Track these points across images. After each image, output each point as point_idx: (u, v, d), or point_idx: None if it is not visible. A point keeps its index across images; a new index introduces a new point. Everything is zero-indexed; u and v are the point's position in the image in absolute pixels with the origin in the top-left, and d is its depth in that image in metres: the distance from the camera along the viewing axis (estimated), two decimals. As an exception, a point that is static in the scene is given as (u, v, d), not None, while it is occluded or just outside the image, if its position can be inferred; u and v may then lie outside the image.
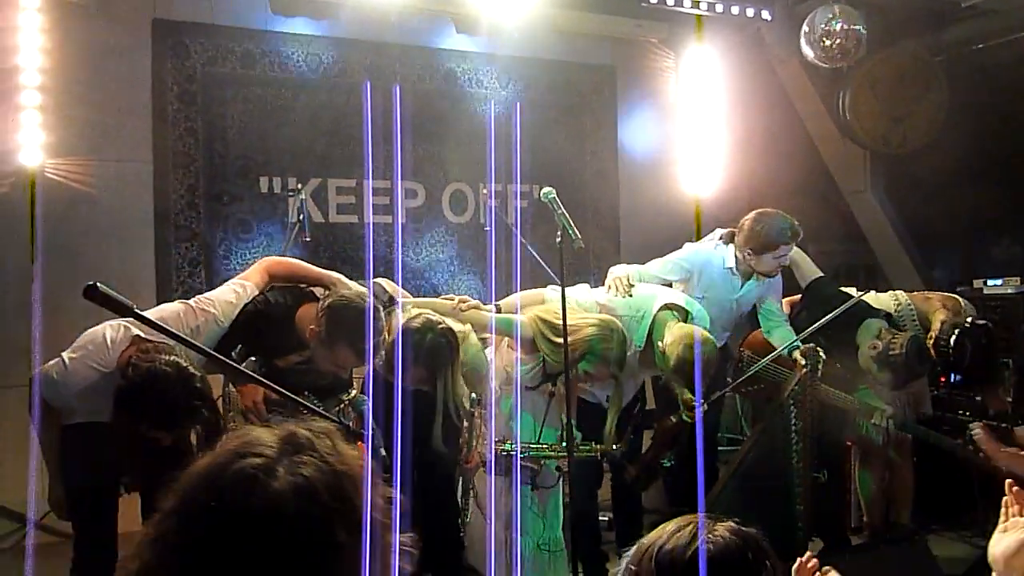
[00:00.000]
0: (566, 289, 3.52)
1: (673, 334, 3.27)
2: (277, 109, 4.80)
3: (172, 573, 0.94)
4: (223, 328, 2.86)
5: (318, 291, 3.07)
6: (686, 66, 5.74)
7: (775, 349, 3.86)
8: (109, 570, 2.63)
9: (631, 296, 3.53)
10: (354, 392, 3.27)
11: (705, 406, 3.51)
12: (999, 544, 1.54)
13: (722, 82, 5.71)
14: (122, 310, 1.55)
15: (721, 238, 3.97)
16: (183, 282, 4.55)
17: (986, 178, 4.83)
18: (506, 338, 3.37)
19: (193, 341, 1.88)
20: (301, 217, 3.91)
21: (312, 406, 2.19)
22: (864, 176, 5.58)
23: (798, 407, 3.61)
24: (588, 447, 3.26)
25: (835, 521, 3.95)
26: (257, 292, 2.98)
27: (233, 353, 3.03)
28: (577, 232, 3.04)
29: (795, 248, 4.04)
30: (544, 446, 3.20)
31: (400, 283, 3.80)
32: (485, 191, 4.91)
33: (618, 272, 3.68)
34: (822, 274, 4.13)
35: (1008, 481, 1.74)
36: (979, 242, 4.69)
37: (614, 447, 3.30)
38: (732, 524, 1.40)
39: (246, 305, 2.90)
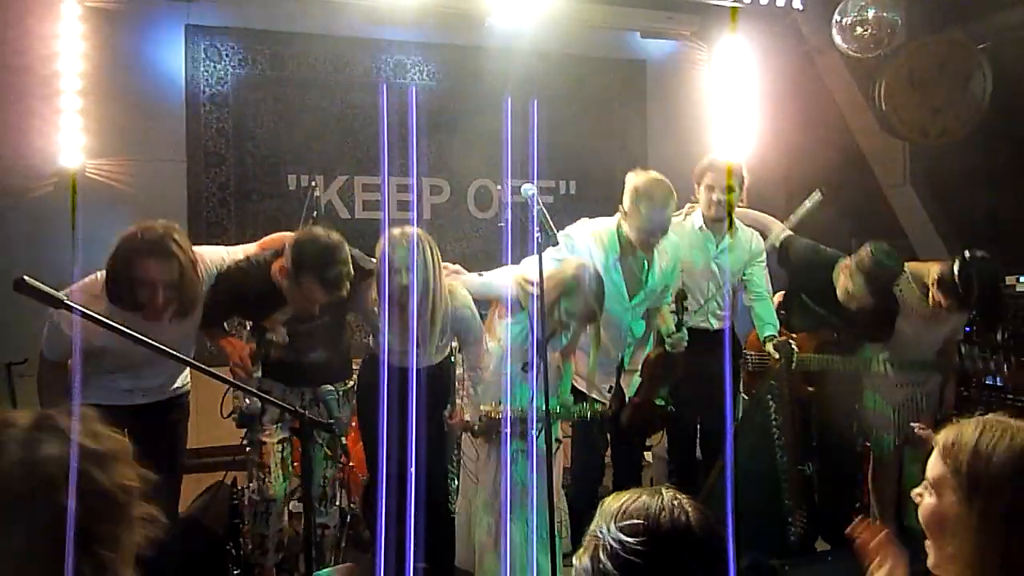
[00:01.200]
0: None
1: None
2: (305, 109, 4.95)
3: None
4: (211, 277, 3.02)
5: None
6: (719, 58, 5.66)
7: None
8: None
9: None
10: (351, 383, 3.39)
11: (684, 333, 3.54)
12: None
13: (757, 74, 5.61)
14: (53, 302, 1.65)
15: (686, 210, 4.03)
16: (214, 277, 4.74)
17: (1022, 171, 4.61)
18: (496, 311, 3.42)
19: (137, 335, 1.89)
20: (315, 214, 4.02)
21: (273, 400, 2.26)
22: (903, 169, 5.39)
23: (776, 401, 3.58)
24: (579, 408, 3.33)
25: (843, 523, 3.85)
26: (247, 260, 3.16)
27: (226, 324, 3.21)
28: (555, 229, 3.06)
29: (762, 213, 4.14)
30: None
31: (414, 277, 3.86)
32: (500, 187, 4.94)
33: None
34: (790, 232, 4.08)
35: (854, 526, 1.73)
36: (1017, 237, 4.47)
37: (596, 406, 3.37)
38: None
39: (229, 268, 3.06)
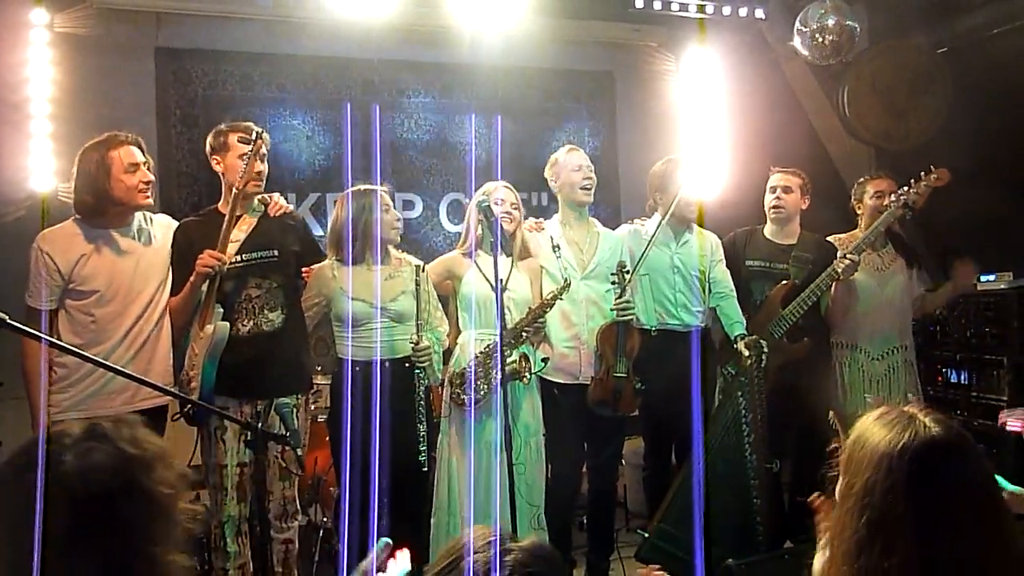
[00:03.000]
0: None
1: None
2: (275, 128, 5.00)
3: None
4: None
5: None
6: (687, 69, 5.73)
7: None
8: None
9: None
10: (312, 391, 3.46)
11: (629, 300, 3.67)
12: (816, 563, 1.58)
13: (724, 83, 5.68)
14: (-3, 323, 1.70)
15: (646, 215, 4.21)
16: (189, 296, 4.79)
17: (988, 172, 4.67)
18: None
19: (77, 350, 2.02)
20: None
21: (235, 418, 2.30)
22: (870, 173, 5.45)
23: (747, 398, 3.63)
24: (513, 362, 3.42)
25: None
26: None
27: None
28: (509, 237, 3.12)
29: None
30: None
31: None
32: (467, 201, 5.00)
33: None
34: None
35: (810, 499, 1.77)
36: (977, 237, 4.54)
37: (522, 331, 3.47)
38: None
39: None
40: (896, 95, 5.11)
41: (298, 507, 3.37)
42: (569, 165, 3.93)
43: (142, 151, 3.27)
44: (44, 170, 4.47)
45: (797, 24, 5.04)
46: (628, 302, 3.66)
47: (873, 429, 1.39)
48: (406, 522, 3.25)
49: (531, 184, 5.58)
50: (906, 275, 4.20)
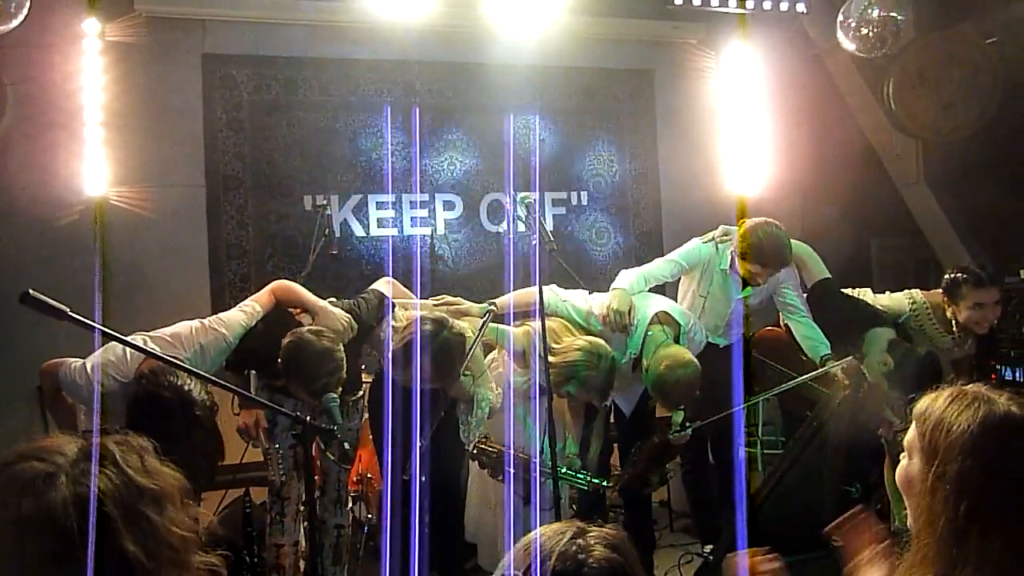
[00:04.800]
0: (566, 292, 3.60)
1: (657, 354, 3.29)
2: (319, 131, 5.09)
3: None
4: (230, 346, 3.10)
5: None
6: (727, 66, 5.69)
7: (784, 347, 3.80)
8: None
9: (627, 333, 3.48)
10: (360, 392, 3.48)
11: (689, 431, 3.48)
12: None
13: (766, 79, 5.62)
14: (58, 314, 1.75)
15: (716, 238, 3.90)
16: (235, 296, 4.84)
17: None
18: (500, 350, 3.44)
19: (167, 356, 2.08)
20: (328, 232, 4.13)
21: (285, 411, 2.33)
22: (917, 167, 5.37)
23: (837, 425, 3.46)
24: (582, 478, 3.26)
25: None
26: (262, 313, 3.22)
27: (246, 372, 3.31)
28: (551, 236, 3.11)
29: (803, 246, 3.97)
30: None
31: (418, 289, 3.95)
32: (507, 200, 5.02)
33: (618, 305, 3.51)
34: (828, 275, 3.99)
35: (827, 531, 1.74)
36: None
37: (605, 484, 3.30)
38: (608, 535, 1.27)
39: (251, 328, 3.13)
40: (944, 87, 5.00)
41: (348, 495, 3.44)
42: None
43: None
44: (97, 175, 4.61)
45: (840, 17, 4.97)
46: (687, 435, 3.49)
47: (951, 416, 1.36)
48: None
49: (570, 183, 5.61)
50: (972, 352, 4.01)
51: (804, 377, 3.66)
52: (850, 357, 3.57)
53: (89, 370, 2.92)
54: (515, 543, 1.27)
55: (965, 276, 3.73)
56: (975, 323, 3.74)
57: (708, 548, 3.55)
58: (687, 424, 3.45)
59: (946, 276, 3.84)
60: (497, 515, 3.48)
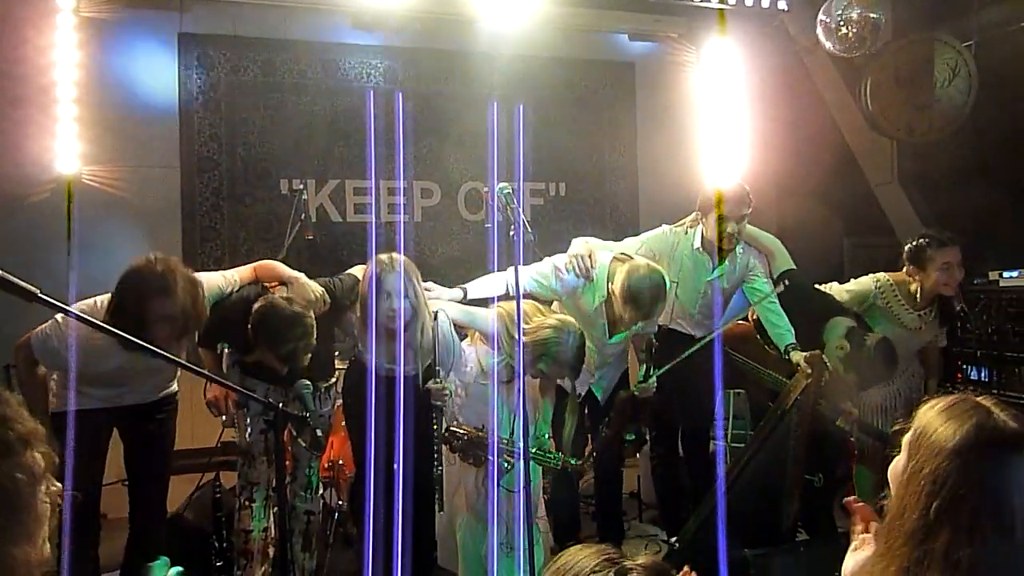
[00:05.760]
0: (528, 268, 3.61)
1: (621, 271, 3.41)
2: (296, 114, 5.04)
3: None
4: (207, 300, 3.04)
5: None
6: (707, 60, 5.71)
7: (751, 342, 3.84)
8: None
9: (591, 279, 3.56)
10: (333, 379, 3.46)
11: (654, 380, 3.55)
12: (848, 563, 1.56)
13: (746, 74, 5.66)
14: (27, 295, 1.72)
15: (686, 224, 3.96)
16: (208, 280, 4.83)
17: (1012, 166, 4.62)
18: (477, 335, 3.43)
19: (118, 332, 2.04)
20: (304, 216, 4.09)
21: (256, 397, 2.33)
22: (891, 167, 5.43)
23: (800, 414, 3.50)
24: (553, 456, 3.26)
25: (825, 516, 3.88)
26: (239, 285, 3.20)
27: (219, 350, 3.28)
28: (529, 227, 3.10)
29: (771, 237, 4.03)
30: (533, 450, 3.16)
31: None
32: (486, 190, 5.00)
33: (579, 249, 3.61)
34: (794, 266, 4.04)
35: (846, 500, 1.74)
36: (1004, 233, 4.49)
37: (574, 462, 3.31)
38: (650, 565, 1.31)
39: (223, 298, 3.11)
40: (920, 88, 5.05)
41: (319, 481, 3.43)
42: None
43: (175, 286, 2.85)
44: (69, 152, 4.54)
45: (820, 15, 5.00)
46: (651, 385, 3.56)
47: (943, 418, 1.37)
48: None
49: (549, 174, 5.61)
50: (936, 331, 4.09)
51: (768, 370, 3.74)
52: (817, 352, 3.61)
53: (61, 321, 2.85)
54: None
55: (928, 241, 3.89)
56: (944, 284, 3.85)
57: (674, 539, 3.58)
58: (651, 373, 3.54)
59: (907, 246, 3.96)
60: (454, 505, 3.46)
